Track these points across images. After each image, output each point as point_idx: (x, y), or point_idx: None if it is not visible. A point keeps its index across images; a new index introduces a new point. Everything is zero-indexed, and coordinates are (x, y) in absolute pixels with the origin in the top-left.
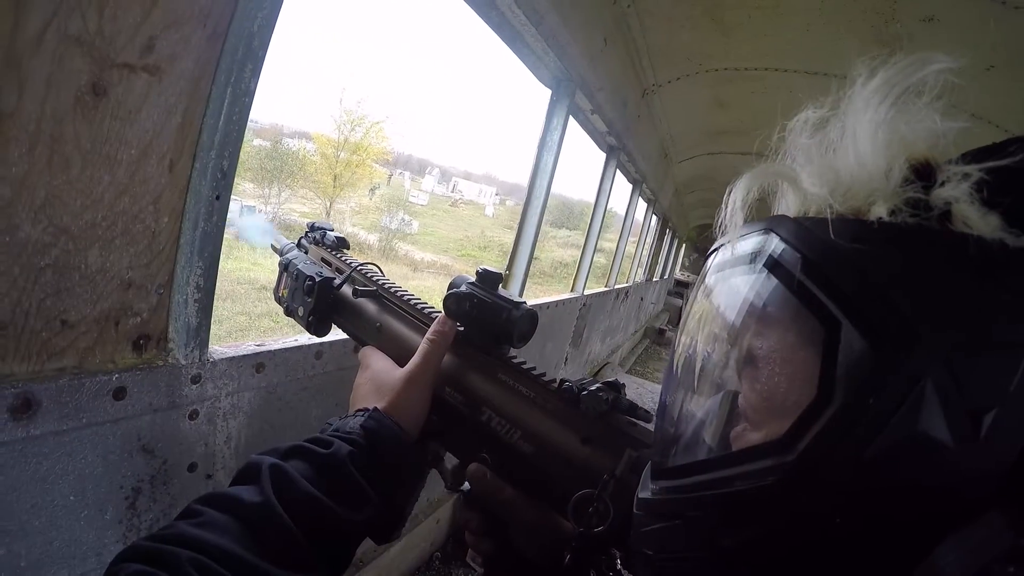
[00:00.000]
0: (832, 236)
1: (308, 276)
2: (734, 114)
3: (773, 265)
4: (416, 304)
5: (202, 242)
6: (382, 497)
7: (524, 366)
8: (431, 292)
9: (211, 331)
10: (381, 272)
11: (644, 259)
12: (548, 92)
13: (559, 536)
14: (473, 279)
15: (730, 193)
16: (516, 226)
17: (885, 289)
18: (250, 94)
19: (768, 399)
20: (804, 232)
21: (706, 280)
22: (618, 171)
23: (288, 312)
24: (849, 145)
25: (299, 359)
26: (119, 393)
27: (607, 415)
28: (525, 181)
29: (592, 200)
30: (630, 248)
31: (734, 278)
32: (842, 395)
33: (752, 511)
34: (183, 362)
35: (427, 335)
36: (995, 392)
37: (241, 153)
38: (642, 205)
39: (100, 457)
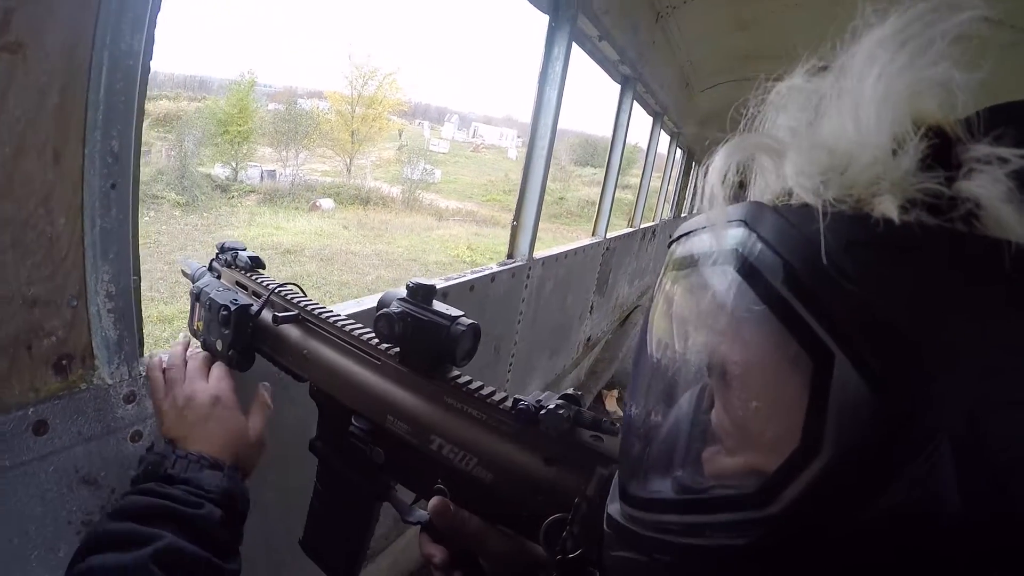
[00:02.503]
0: (824, 238)
1: (222, 305)
2: (758, 36)
3: (749, 271)
4: (344, 326)
5: (104, 242)
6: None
7: (471, 386)
8: (457, 240)
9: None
10: (302, 292)
11: (671, 195)
12: (546, 19)
13: (533, 563)
14: (404, 294)
15: (705, 173)
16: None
17: (893, 315)
18: (135, 55)
19: (742, 426)
20: (789, 231)
21: (670, 273)
22: (636, 103)
23: (205, 346)
24: (847, 112)
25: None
26: (39, 427)
27: (570, 432)
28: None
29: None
30: (655, 184)
31: (702, 278)
32: (832, 446)
33: (727, 571)
34: (110, 381)
35: (264, 401)
36: None
37: (256, 118)
38: (664, 138)
39: (36, 497)
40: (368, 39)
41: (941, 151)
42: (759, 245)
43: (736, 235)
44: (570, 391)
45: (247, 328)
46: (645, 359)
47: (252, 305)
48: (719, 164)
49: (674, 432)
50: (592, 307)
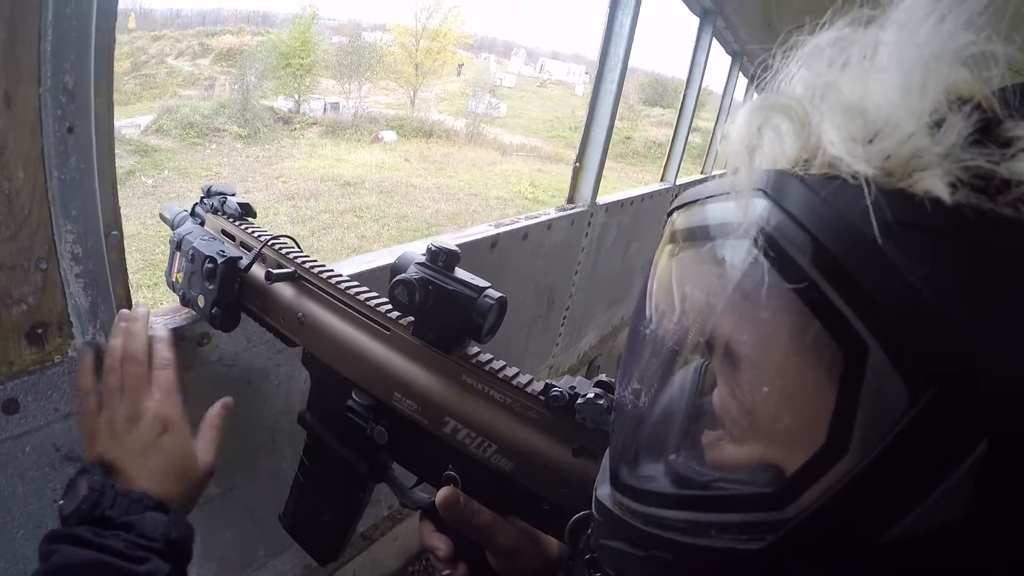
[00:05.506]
0: (861, 216)
1: (207, 256)
2: None
3: (770, 247)
4: (348, 288)
5: (63, 197)
6: None
7: (495, 366)
8: (519, 176)
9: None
10: (298, 247)
11: None
12: None
13: (546, 559)
14: (422, 258)
15: (728, 131)
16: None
17: (938, 308)
18: None
19: (752, 413)
20: (819, 205)
21: (674, 242)
22: (714, 40)
23: (185, 302)
24: (889, 76)
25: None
26: (9, 406)
27: (607, 424)
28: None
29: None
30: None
31: (713, 253)
32: (862, 448)
33: (733, 575)
34: None
35: (215, 424)
36: None
37: (319, 51)
38: (742, 82)
39: (15, 476)
40: None
41: (988, 128)
42: (784, 219)
43: (757, 207)
44: (603, 377)
45: (234, 284)
46: (642, 331)
47: (241, 258)
48: (740, 126)
49: (672, 412)
50: None
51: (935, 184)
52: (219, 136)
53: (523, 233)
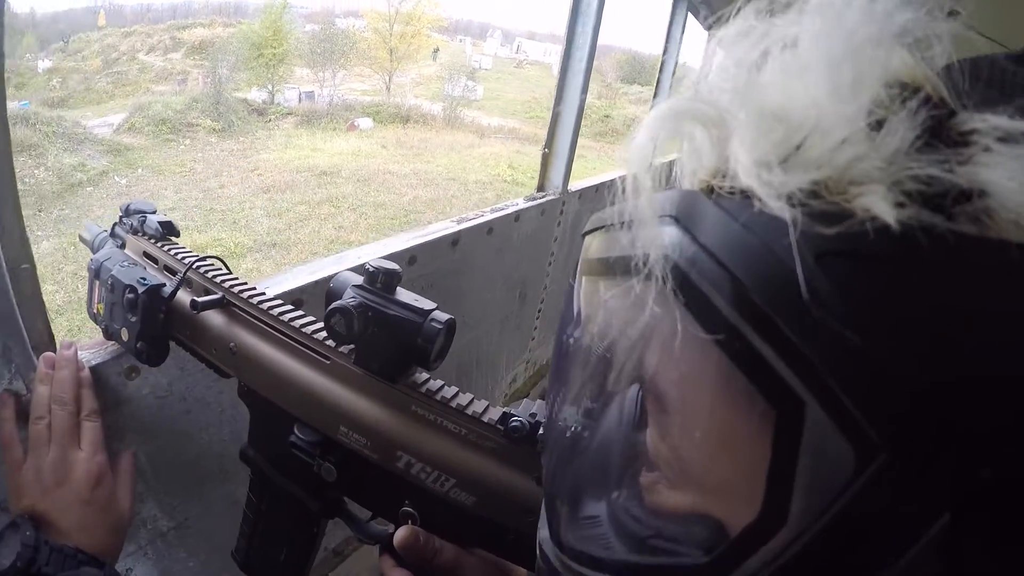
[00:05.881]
0: (786, 248)
1: (127, 285)
2: None
3: (682, 287)
4: (282, 315)
5: None
6: None
7: (446, 394)
8: (498, 159)
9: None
10: (227, 269)
11: None
12: None
13: None
14: (359, 280)
15: (630, 145)
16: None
17: (887, 354)
18: None
19: (684, 460)
20: (737, 234)
21: (588, 272)
22: (690, 15)
23: (108, 335)
24: (815, 71)
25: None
26: None
27: None
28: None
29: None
30: None
31: (623, 285)
32: (803, 519)
33: None
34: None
35: (129, 469)
36: None
37: (292, 40)
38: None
39: None
40: None
41: (935, 121)
42: (697, 252)
43: (666, 236)
44: None
45: (159, 314)
46: (564, 360)
47: (165, 285)
48: (643, 139)
49: (607, 448)
50: None
51: (876, 203)
52: (193, 131)
53: (487, 228)
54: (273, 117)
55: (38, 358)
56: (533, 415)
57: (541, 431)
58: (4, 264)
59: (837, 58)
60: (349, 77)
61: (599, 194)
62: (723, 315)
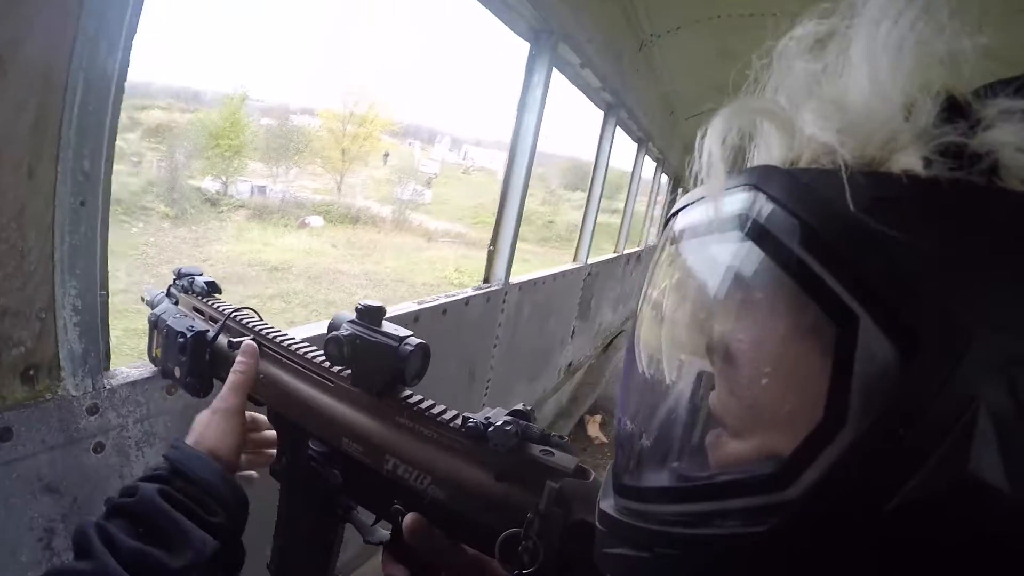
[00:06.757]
0: (843, 196)
1: (178, 332)
2: (743, 66)
3: (760, 234)
4: (298, 349)
5: (71, 258)
6: (215, 528)
7: (422, 405)
8: (445, 262)
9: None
10: (259, 317)
11: (657, 219)
12: (527, 45)
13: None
14: (353, 316)
15: (703, 137)
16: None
17: (921, 272)
18: (109, 77)
19: (752, 406)
20: (803, 190)
21: (670, 247)
22: (620, 129)
23: (165, 374)
24: (861, 69)
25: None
26: (4, 434)
27: (519, 448)
28: (546, 148)
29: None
30: (640, 209)
31: (706, 248)
32: (860, 418)
33: (740, 561)
34: (74, 393)
35: (233, 367)
36: None
37: (248, 132)
38: (650, 164)
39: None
40: (359, 59)
41: (957, 108)
42: (771, 206)
43: (744, 198)
44: (520, 406)
45: (204, 355)
46: (640, 342)
47: (208, 331)
48: (719, 128)
49: (673, 416)
50: (574, 332)
51: (910, 160)
52: (146, 214)
53: (443, 309)
54: (226, 208)
55: (106, 362)
56: (488, 418)
57: (491, 429)
58: (98, 288)
59: (875, 58)
60: (302, 175)
61: (537, 286)
62: (794, 252)
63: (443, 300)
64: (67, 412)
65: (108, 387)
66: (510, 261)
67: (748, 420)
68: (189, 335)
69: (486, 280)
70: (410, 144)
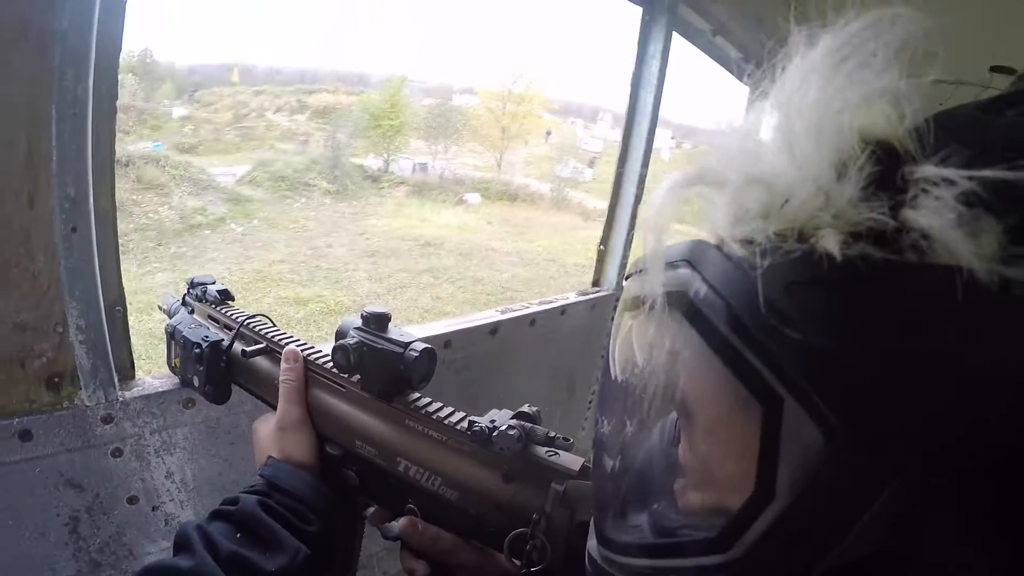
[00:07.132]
0: (763, 280)
1: (194, 343)
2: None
3: (693, 314)
4: (310, 355)
5: (70, 280)
6: (308, 535)
7: (430, 408)
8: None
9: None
10: (272, 323)
11: None
12: (639, 11)
13: (506, 574)
14: (359, 323)
15: (653, 202)
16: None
17: (839, 356)
18: (83, 105)
19: (703, 462)
20: (731, 272)
21: (625, 309)
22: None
23: (184, 383)
24: (781, 140)
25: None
26: (25, 435)
27: (524, 449)
28: (701, 123)
29: None
30: None
31: (652, 319)
32: (786, 492)
33: None
34: (88, 403)
35: (280, 378)
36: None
37: (408, 112)
38: None
39: (25, 491)
40: (519, 39)
41: (886, 174)
42: (703, 287)
43: (680, 276)
44: (526, 408)
45: (220, 363)
46: (609, 393)
47: (223, 340)
48: (662, 202)
49: (645, 466)
50: None
51: (829, 242)
52: (309, 190)
53: (530, 319)
54: (386, 185)
55: (120, 379)
56: (493, 421)
57: (495, 433)
58: (102, 307)
59: (811, 133)
60: (461, 152)
61: None
62: (722, 333)
63: (532, 309)
64: (82, 420)
65: (121, 399)
66: (623, 263)
67: (701, 474)
68: (205, 345)
69: (595, 284)
70: (572, 122)
